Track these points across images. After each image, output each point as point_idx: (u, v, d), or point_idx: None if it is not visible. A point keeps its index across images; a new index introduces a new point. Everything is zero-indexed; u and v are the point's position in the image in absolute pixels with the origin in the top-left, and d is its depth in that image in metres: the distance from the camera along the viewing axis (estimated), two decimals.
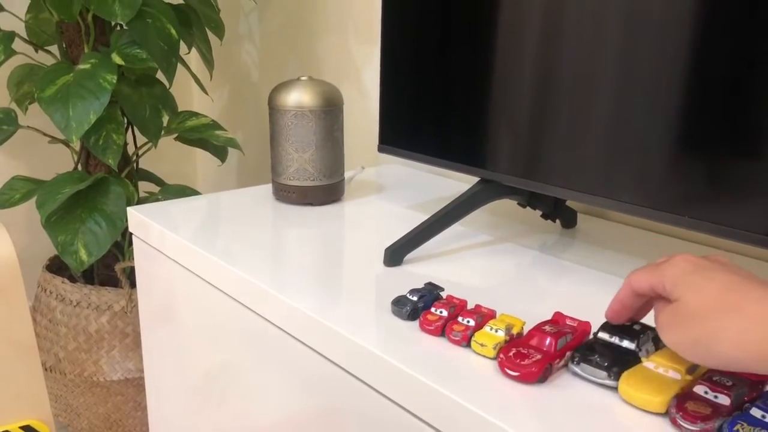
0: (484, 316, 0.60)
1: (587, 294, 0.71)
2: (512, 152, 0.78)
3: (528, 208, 0.99)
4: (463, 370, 0.56)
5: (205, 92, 1.34)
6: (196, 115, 1.33)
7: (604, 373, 0.52)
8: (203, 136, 1.29)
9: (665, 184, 0.65)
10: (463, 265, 0.78)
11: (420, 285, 0.72)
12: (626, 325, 0.55)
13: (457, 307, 0.63)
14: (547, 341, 0.54)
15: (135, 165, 1.39)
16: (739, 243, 0.60)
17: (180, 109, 1.35)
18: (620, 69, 0.66)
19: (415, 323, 0.63)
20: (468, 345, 0.59)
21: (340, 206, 1.02)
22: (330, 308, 0.67)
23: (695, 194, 0.62)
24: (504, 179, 0.80)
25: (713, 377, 0.50)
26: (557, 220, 0.92)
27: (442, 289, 0.67)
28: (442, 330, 0.61)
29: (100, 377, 1.32)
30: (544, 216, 0.90)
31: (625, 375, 0.51)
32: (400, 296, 0.65)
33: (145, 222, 0.95)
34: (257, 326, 0.76)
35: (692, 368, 0.51)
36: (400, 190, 1.11)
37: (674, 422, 0.48)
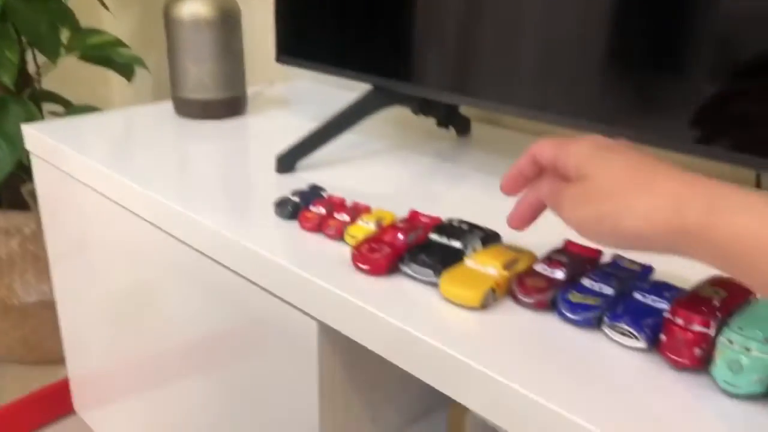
0: (358, 212, 0.63)
1: (481, 199, 0.74)
2: (403, 58, 0.79)
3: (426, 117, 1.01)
4: (333, 260, 0.59)
5: (105, 7, 1.30)
6: (98, 32, 1.29)
7: (430, 272, 0.54)
8: (107, 54, 1.26)
9: (538, 84, 0.67)
10: (358, 172, 0.81)
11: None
12: (455, 225, 0.58)
13: (335, 205, 0.65)
14: (399, 236, 0.57)
15: (38, 85, 1.35)
16: (662, 150, 0.60)
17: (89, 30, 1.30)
18: None
19: (296, 222, 0.66)
20: (342, 239, 0.61)
21: (242, 120, 1.02)
22: (214, 214, 0.68)
23: (619, 106, 0.63)
24: (394, 86, 0.81)
25: (551, 256, 0.54)
26: (451, 128, 0.94)
27: (324, 190, 0.69)
28: (319, 226, 0.63)
29: (15, 300, 1.31)
30: (439, 123, 0.92)
31: (445, 273, 0.53)
32: (282, 197, 0.67)
33: (41, 139, 0.93)
34: (163, 243, 0.77)
35: (509, 264, 0.54)
36: (307, 104, 1.11)
37: (515, 298, 0.52)
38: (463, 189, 0.76)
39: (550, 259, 0.54)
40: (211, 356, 0.75)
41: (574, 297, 0.50)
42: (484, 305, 0.51)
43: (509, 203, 0.72)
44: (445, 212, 0.69)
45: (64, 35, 1.26)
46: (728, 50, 0.54)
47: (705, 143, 0.57)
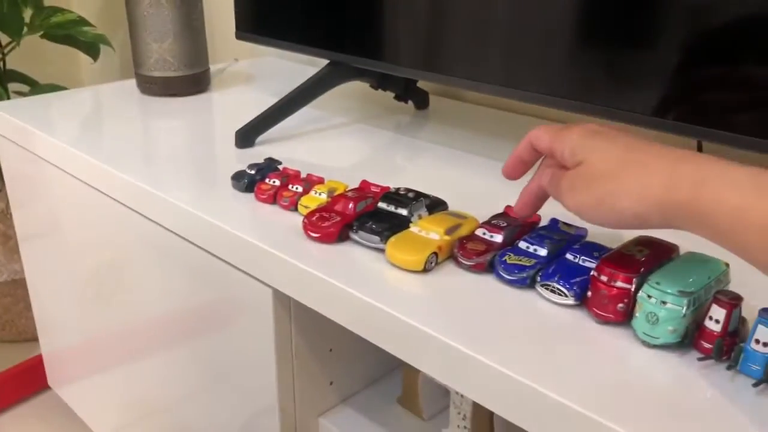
0: (312, 183, 0.65)
1: (441, 170, 0.76)
2: (361, 34, 0.81)
3: (385, 92, 1.03)
4: (286, 230, 0.61)
5: None
6: (62, 11, 1.29)
7: (377, 238, 0.56)
8: (70, 33, 1.26)
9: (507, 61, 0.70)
10: (318, 146, 0.83)
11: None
12: (402, 194, 0.61)
13: (290, 177, 0.67)
14: (350, 205, 0.59)
15: (2, 65, 1.34)
16: (627, 124, 0.61)
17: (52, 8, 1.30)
18: None
19: (252, 195, 0.68)
20: (296, 209, 0.64)
21: (206, 96, 1.03)
22: (175, 190, 0.70)
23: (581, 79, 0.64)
24: (352, 61, 0.83)
25: (492, 221, 0.57)
26: (410, 102, 0.96)
27: (280, 163, 0.71)
28: (274, 198, 0.65)
29: None
30: (397, 98, 0.94)
31: (391, 239, 0.56)
32: (238, 171, 0.69)
33: (6, 119, 0.94)
34: (127, 219, 0.79)
35: (451, 229, 0.56)
36: (270, 80, 1.12)
37: (456, 261, 0.55)
38: (420, 160, 0.78)
39: (491, 224, 0.56)
40: (178, 329, 0.77)
41: (510, 258, 0.53)
42: (427, 269, 0.54)
43: (464, 172, 0.75)
44: (401, 183, 0.71)
45: (28, 14, 1.26)
46: (690, 25, 0.56)
47: (663, 116, 0.59)
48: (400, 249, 0.54)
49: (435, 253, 0.54)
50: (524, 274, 0.51)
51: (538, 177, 0.52)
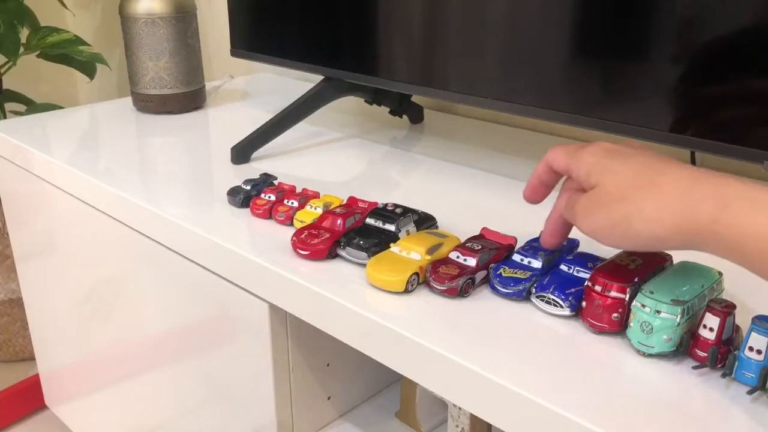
0: (307, 198, 0.66)
1: (437, 183, 0.76)
2: (354, 50, 0.81)
3: (380, 107, 1.03)
4: (281, 244, 0.61)
5: (64, 5, 1.30)
6: (57, 30, 1.30)
7: (364, 254, 0.56)
8: (66, 52, 1.26)
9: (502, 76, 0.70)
10: (313, 160, 0.83)
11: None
12: (390, 209, 0.60)
13: (285, 192, 0.67)
14: (338, 222, 0.60)
15: None
16: (622, 136, 0.60)
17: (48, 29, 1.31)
18: None
19: (248, 210, 0.68)
20: (291, 224, 0.64)
21: (202, 113, 1.03)
22: (172, 207, 0.70)
23: (590, 95, 0.64)
24: (347, 76, 0.83)
25: (466, 244, 0.56)
26: (404, 116, 0.97)
27: (275, 178, 0.71)
28: (269, 213, 0.65)
29: None
30: (392, 112, 0.95)
31: (372, 259, 0.55)
32: (234, 186, 0.70)
33: (3, 138, 0.94)
34: (125, 236, 0.79)
35: (432, 249, 0.55)
36: (265, 97, 1.13)
37: (429, 285, 0.53)
38: (415, 174, 0.79)
39: (464, 247, 0.55)
40: (176, 345, 0.77)
41: (506, 272, 0.53)
42: (408, 290, 0.53)
43: (459, 186, 0.75)
44: (396, 196, 0.72)
45: (24, 34, 1.27)
46: (687, 36, 0.56)
47: (658, 128, 0.59)
48: (381, 270, 0.53)
49: (416, 273, 0.53)
50: (521, 287, 0.51)
51: (559, 203, 0.51)
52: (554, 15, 0.63)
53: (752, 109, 0.54)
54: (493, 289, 0.53)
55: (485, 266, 0.54)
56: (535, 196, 0.53)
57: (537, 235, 0.57)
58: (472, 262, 0.54)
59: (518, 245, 0.57)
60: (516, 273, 0.52)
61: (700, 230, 0.39)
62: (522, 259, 0.54)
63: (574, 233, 0.54)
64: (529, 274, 0.52)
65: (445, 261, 0.54)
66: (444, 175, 0.78)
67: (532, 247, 0.55)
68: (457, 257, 0.54)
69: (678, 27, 0.56)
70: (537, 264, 0.53)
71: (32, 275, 1.05)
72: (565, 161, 0.49)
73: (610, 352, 0.47)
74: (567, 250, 0.55)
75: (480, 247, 0.55)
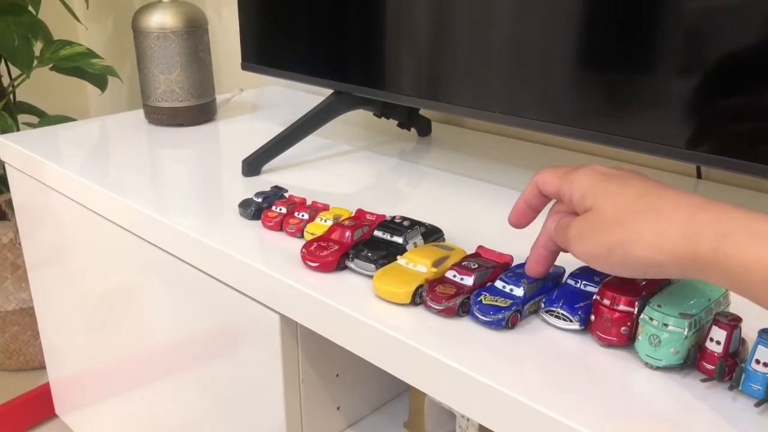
0: (317, 210, 0.67)
1: (445, 195, 0.77)
2: (363, 64, 0.82)
3: (388, 120, 1.05)
4: (291, 256, 0.62)
5: (77, 19, 1.32)
6: (70, 43, 1.32)
7: (372, 266, 0.57)
8: (79, 65, 1.28)
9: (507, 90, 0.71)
10: (323, 173, 0.84)
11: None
12: (397, 222, 0.60)
13: (296, 205, 0.68)
14: (347, 234, 0.60)
15: (12, 97, 1.37)
16: (642, 154, 0.60)
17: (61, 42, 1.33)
18: None
19: (259, 222, 0.69)
20: (302, 236, 0.65)
21: (212, 126, 1.05)
22: (183, 218, 0.71)
23: (598, 109, 0.64)
24: (356, 90, 0.84)
25: (463, 263, 0.56)
26: (412, 129, 0.98)
27: (286, 191, 0.72)
28: (280, 225, 0.66)
29: None
30: (400, 125, 0.96)
31: (379, 271, 0.55)
32: (245, 199, 0.71)
33: (16, 150, 0.96)
34: (136, 247, 0.80)
35: (438, 261, 0.55)
36: (275, 110, 1.14)
37: (426, 305, 0.53)
38: (423, 186, 0.80)
39: (461, 266, 0.55)
40: (186, 355, 0.78)
41: (486, 299, 0.51)
42: (415, 302, 0.53)
43: (466, 198, 0.76)
44: (404, 208, 0.73)
45: (38, 47, 1.28)
46: (695, 51, 0.57)
47: (677, 145, 0.59)
48: (387, 282, 0.54)
49: (422, 286, 0.53)
50: (500, 316, 0.50)
51: (548, 227, 0.49)
52: (561, 30, 0.64)
53: (762, 123, 0.54)
54: (473, 315, 0.51)
55: (482, 284, 0.54)
56: (521, 220, 0.52)
57: (524, 261, 0.55)
58: (468, 281, 0.53)
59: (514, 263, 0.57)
60: (497, 301, 0.51)
61: (700, 258, 0.38)
62: (504, 286, 0.52)
63: (560, 260, 0.53)
64: (509, 302, 0.51)
65: (442, 280, 0.54)
66: (451, 188, 0.79)
67: (516, 273, 0.53)
68: (454, 276, 0.54)
69: (685, 41, 0.57)
70: (519, 292, 0.51)
71: (43, 285, 1.06)
72: (556, 184, 0.48)
73: (619, 364, 0.47)
74: (552, 278, 0.54)
75: (476, 265, 0.55)
